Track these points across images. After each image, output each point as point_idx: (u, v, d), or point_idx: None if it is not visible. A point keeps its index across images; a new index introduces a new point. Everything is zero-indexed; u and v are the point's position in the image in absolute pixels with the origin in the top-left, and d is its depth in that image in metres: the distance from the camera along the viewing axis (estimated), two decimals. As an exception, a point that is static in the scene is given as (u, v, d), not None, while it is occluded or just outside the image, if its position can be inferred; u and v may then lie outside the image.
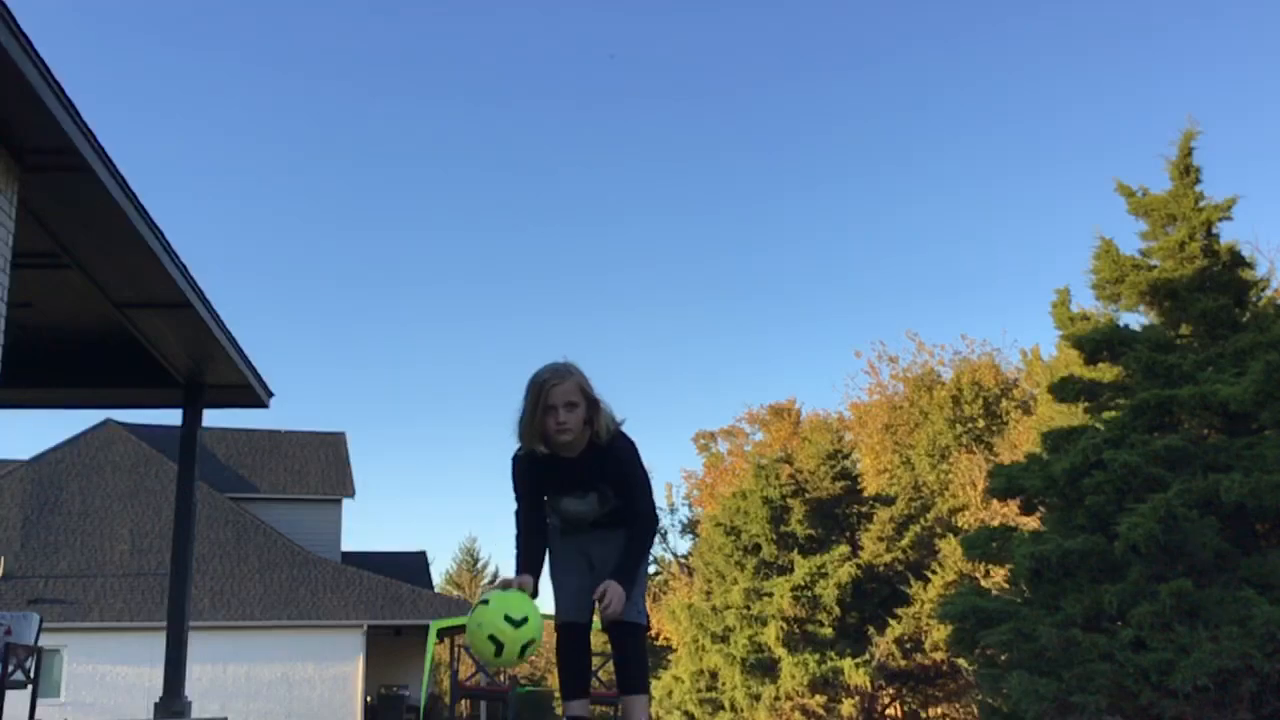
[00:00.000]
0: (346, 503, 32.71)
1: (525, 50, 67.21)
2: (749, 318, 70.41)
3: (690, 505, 42.00)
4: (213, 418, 11.10)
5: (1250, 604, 10.67)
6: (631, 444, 3.95)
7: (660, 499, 41.44)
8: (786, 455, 27.45)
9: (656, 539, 39.23)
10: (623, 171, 70.93)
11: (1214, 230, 14.00)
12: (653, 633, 30.71)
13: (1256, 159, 54.64)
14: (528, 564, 3.86)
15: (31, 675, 8.05)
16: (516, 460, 3.94)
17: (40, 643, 8.41)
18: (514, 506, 4.04)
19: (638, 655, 3.92)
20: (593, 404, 3.79)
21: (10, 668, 7.66)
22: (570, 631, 3.95)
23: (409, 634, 29.26)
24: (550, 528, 4.03)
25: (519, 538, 3.96)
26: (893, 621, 22.61)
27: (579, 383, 3.76)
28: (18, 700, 8.01)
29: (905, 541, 23.82)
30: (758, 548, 25.02)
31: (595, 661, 15.35)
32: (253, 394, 10.19)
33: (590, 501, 3.91)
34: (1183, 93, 55.24)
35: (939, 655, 21.92)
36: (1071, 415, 16.40)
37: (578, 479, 3.88)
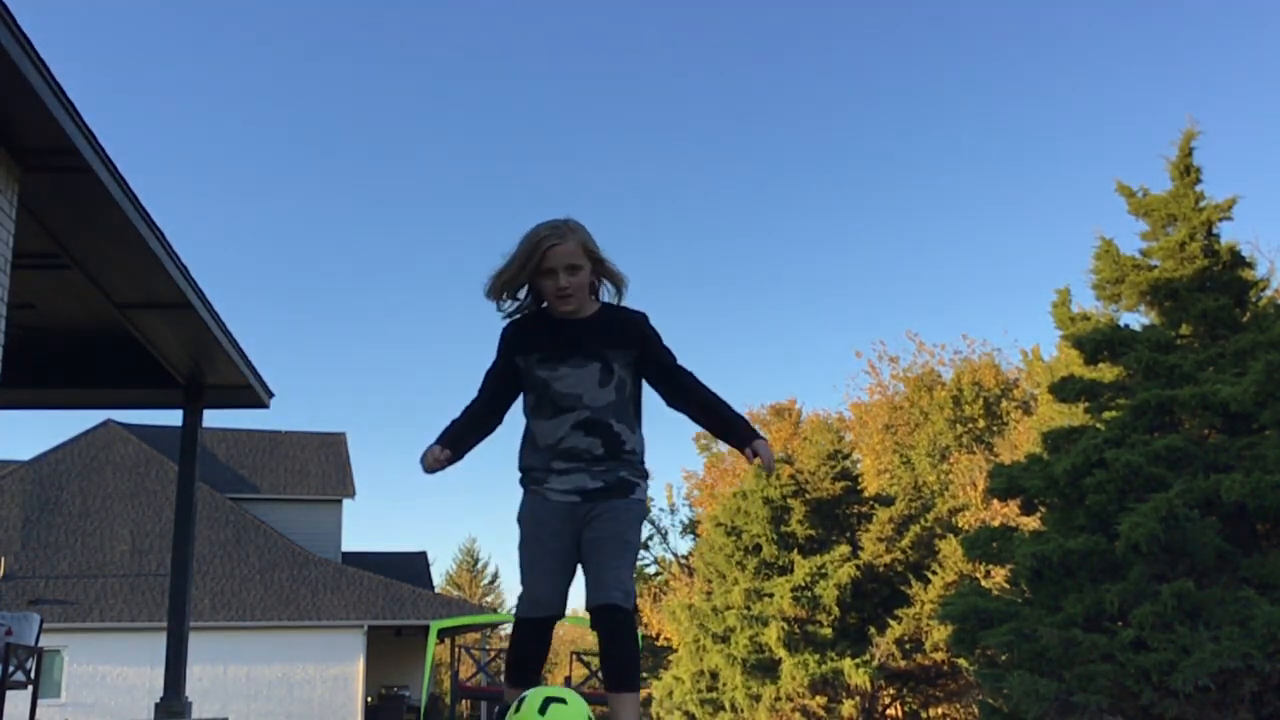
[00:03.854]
0: (346, 503, 32.68)
1: (528, 42, 67.25)
2: (749, 317, 70.41)
3: (691, 505, 42.00)
4: (213, 418, 11.10)
5: (1251, 604, 10.67)
6: (645, 315, 3.42)
7: (660, 499, 41.40)
8: (787, 455, 27.44)
9: (657, 537, 36.88)
10: (623, 168, 70.95)
11: (1214, 230, 14.00)
12: (653, 633, 30.69)
13: (1256, 159, 54.64)
14: (450, 438, 3.24)
15: (32, 676, 8.05)
16: (506, 326, 3.39)
17: (41, 643, 8.40)
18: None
19: (631, 646, 3.24)
20: (598, 264, 3.31)
21: (11, 668, 7.65)
22: (539, 628, 3.28)
23: (409, 634, 29.26)
24: (532, 503, 3.35)
25: (465, 410, 3.35)
26: (893, 622, 22.61)
27: (583, 241, 3.27)
28: (18, 701, 8.01)
29: (905, 542, 23.82)
30: (758, 548, 25.02)
31: (595, 662, 15.30)
32: (253, 394, 10.18)
33: (591, 374, 3.25)
34: (1183, 93, 55.26)
35: (939, 655, 21.92)
36: (1072, 415, 16.39)
37: (579, 342, 3.28)
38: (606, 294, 3.41)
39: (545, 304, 3.35)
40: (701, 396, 3.33)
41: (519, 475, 3.43)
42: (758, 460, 3.14)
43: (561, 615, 3.28)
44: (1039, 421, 23.41)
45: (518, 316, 3.38)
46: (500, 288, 3.31)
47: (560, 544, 3.26)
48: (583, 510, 3.26)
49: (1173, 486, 11.42)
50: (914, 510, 24.87)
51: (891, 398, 37.58)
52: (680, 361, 3.39)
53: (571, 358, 3.27)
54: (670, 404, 3.39)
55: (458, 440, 3.23)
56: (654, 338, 3.38)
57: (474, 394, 3.37)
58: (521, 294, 3.35)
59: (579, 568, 3.32)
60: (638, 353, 3.33)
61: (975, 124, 62.06)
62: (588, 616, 3.20)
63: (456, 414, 3.31)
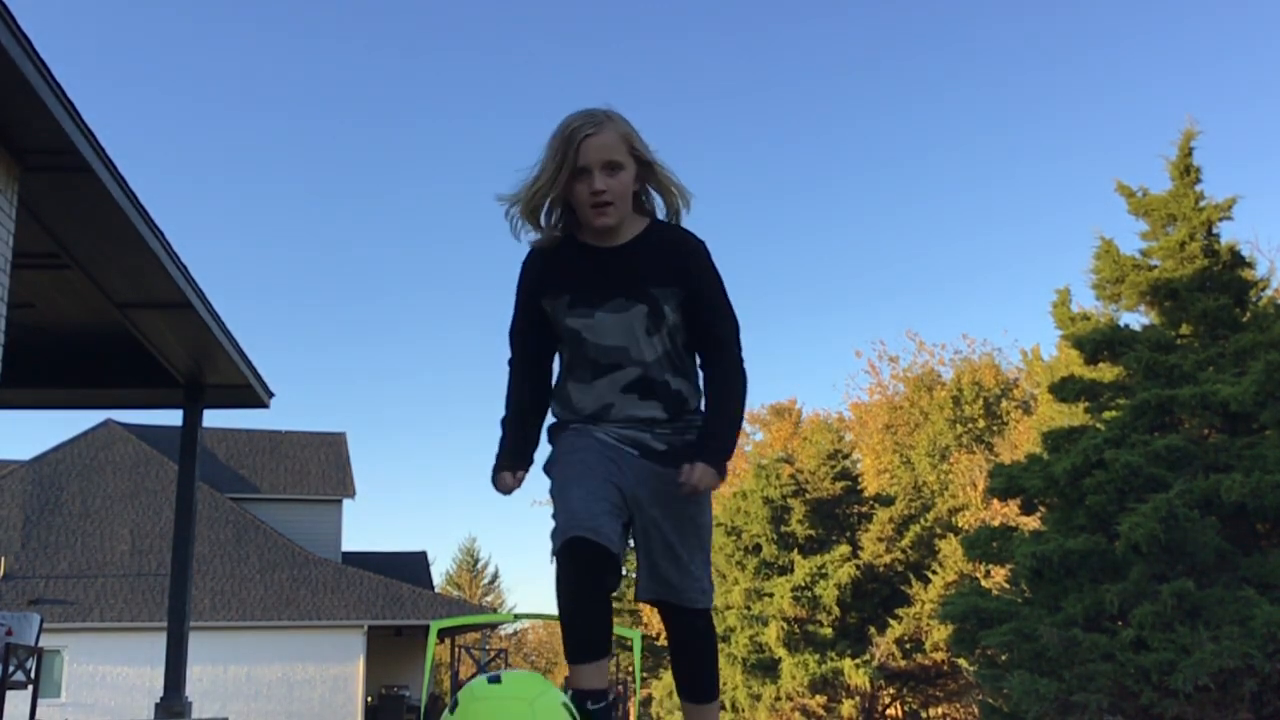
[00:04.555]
0: (347, 503, 32.69)
1: (523, 36, 67.28)
2: (749, 317, 70.26)
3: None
4: (213, 418, 11.11)
5: (1251, 604, 10.68)
6: (705, 245, 2.57)
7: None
8: (787, 455, 27.47)
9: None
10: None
11: (1214, 230, 14.01)
12: (654, 633, 30.72)
13: (1256, 159, 54.65)
14: (514, 455, 2.58)
15: (32, 676, 8.04)
16: (526, 258, 2.60)
17: (41, 643, 8.40)
18: (508, 355, 2.66)
19: (710, 652, 2.69)
20: (646, 168, 2.51)
21: (11, 668, 7.65)
22: (587, 551, 2.32)
23: (409, 634, 29.25)
24: (564, 433, 2.59)
25: (509, 402, 2.63)
26: (893, 622, 22.63)
27: (625, 133, 2.47)
28: (18, 701, 8.01)
29: (905, 541, 23.85)
30: (758, 548, 25.03)
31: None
32: (253, 394, 10.18)
33: (635, 320, 2.47)
34: (1183, 93, 55.27)
35: (939, 655, 21.94)
36: (1072, 415, 16.40)
37: (618, 277, 2.48)
38: (660, 215, 2.60)
39: (572, 224, 2.55)
40: (710, 392, 2.54)
41: (548, 426, 2.66)
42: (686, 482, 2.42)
43: (618, 555, 2.40)
44: (1039, 421, 23.42)
45: (540, 244, 2.57)
46: (533, 203, 2.49)
47: (614, 475, 2.46)
48: (640, 469, 2.51)
49: (1173, 486, 11.43)
50: (914, 510, 24.89)
51: (891, 398, 37.61)
52: (735, 339, 2.57)
53: (610, 299, 2.47)
54: None
55: (523, 452, 2.59)
56: (711, 280, 2.55)
57: (505, 367, 2.67)
58: (553, 217, 2.55)
59: (628, 529, 2.54)
60: (687, 292, 2.50)
61: (975, 124, 62.10)
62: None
63: (504, 410, 2.64)
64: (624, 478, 2.48)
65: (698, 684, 2.69)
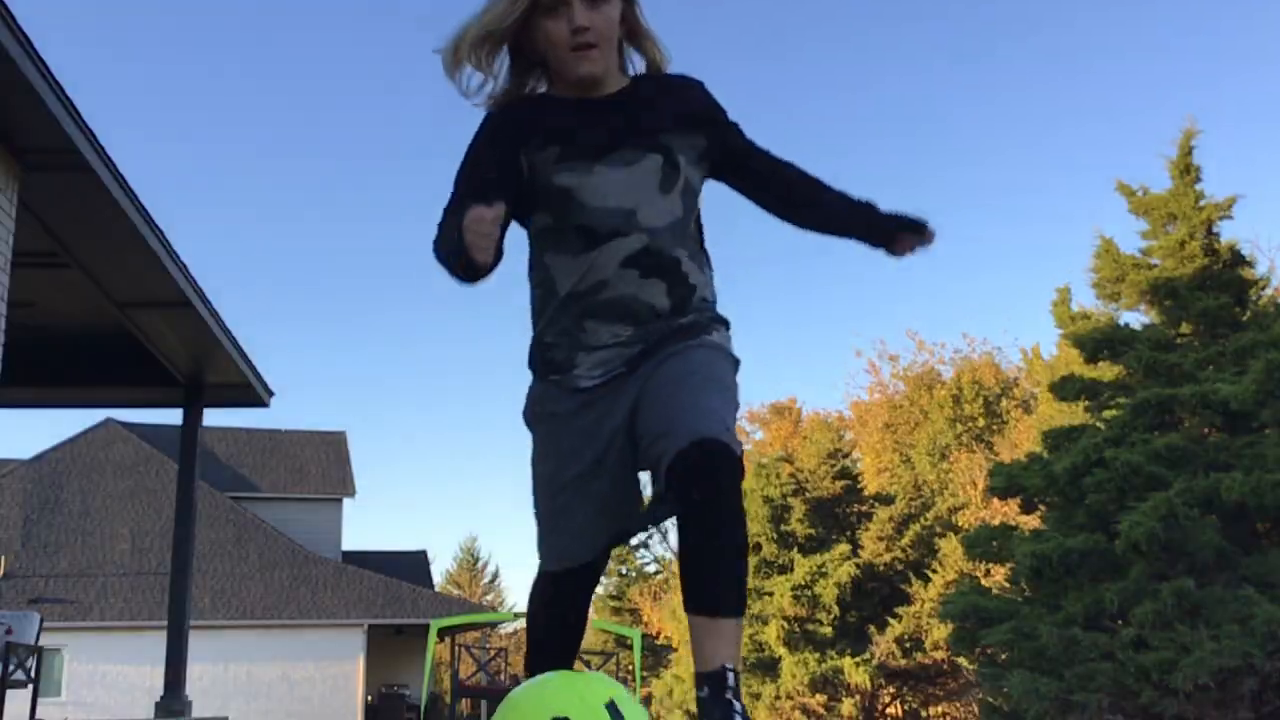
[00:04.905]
0: (347, 502, 32.72)
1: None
2: (749, 317, 70.49)
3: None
4: (213, 417, 11.12)
5: (1251, 603, 10.68)
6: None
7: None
8: (787, 454, 27.46)
9: (658, 536, 26.63)
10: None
11: (1214, 229, 14.02)
12: (654, 632, 30.72)
13: (1256, 159, 54.67)
14: (485, 189, 1.86)
15: (32, 675, 8.06)
16: (498, 111, 2.04)
17: (41, 642, 8.42)
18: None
19: (743, 522, 1.83)
20: (631, 10, 2.05)
21: (11, 667, 7.66)
22: (571, 582, 2.12)
23: (409, 633, 29.26)
24: (550, 400, 2.08)
25: (466, 192, 1.94)
26: (893, 620, 22.64)
27: None
28: (19, 700, 8.01)
29: (905, 540, 23.86)
30: (758, 547, 25.03)
31: (595, 661, 15.19)
32: (253, 393, 10.19)
33: (647, 173, 1.98)
34: (1183, 92, 55.28)
35: (939, 654, 21.95)
36: (1072, 414, 16.41)
37: (622, 123, 2.00)
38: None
39: (535, 82, 2.07)
40: (828, 196, 2.24)
41: (528, 352, 2.14)
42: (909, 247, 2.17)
43: (603, 566, 2.11)
44: (1039, 420, 23.44)
45: (503, 98, 2.05)
46: (477, 39, 1.97)
47: (602, 467, 2.02)
48: (634, 383, 1.98)
49: (1173, 485, 11.44)
50: (914, 509, 24.91)
51: (892, 396, 37.62)
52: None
53: (613, 150, 1.97)
54: (784, 216, 2.25)
55: (494, 185, 1.92)
56: (726, 112, 2.15)
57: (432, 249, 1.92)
58: (500, 65, 2.03)
59: (623, 510, 2.09)
60: (709, 142, 2.07)
61: (975, 122, 62.11)
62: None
63: (454, 198, 1.97)
64: (610, 420, 2.00)
65: (729, 588, 1.80)
